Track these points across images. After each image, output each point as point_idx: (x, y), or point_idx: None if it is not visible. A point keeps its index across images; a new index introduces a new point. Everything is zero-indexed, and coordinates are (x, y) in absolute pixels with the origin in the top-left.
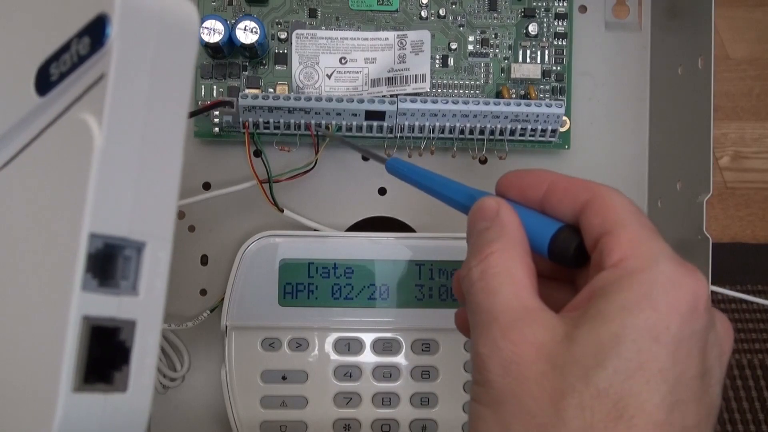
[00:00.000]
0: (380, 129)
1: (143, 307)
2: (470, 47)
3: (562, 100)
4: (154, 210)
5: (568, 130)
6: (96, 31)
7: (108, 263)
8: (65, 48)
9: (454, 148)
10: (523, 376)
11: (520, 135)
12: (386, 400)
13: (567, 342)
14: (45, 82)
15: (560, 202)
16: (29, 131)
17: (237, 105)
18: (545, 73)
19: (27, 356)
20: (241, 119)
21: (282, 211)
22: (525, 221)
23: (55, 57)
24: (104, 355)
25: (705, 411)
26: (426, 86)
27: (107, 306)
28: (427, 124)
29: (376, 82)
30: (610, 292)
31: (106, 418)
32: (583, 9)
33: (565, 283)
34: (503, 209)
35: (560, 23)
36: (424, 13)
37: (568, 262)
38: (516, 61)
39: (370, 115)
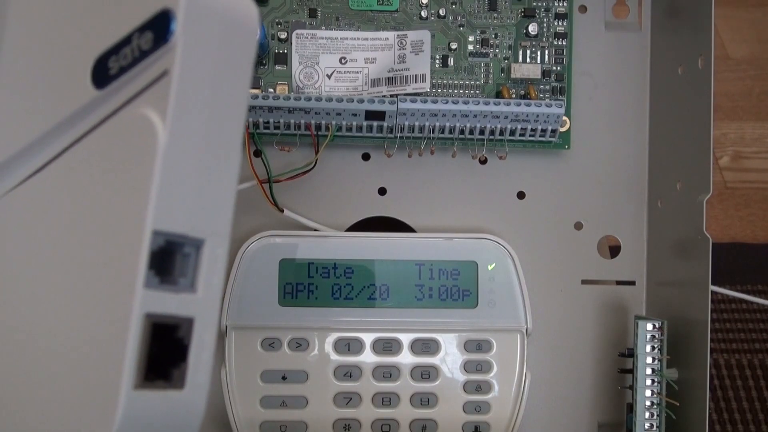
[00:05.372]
0: (380, 129)
1: (201, 305)
2: (470, 47)
3: (562, 100)
4: (213, 207)
5: (568, 130)
6: (160, 27)
7: (168, 260)
8: (125, 42)
9: (454, 148)
10: None
11: (520, 135)
12: (386, 400)
13: None
14: (103, 76)
15: None
16: (84, 124)
17: None
18: (545, 73)
19: (87, 353)
20: None
21: (282, 211)
22: None
23: (115, 50)
24: (163, 353)
25: None
26: (426, 86)
27: (168, 303)
28: (427, 124)
29: (376, 82)
30: None
31: (164, 415)
32: (583, 9)
33: None
34: None
35: (560, 23)
36: (424, 13)
37: None
38: (516, 61)
39: (370, 115)
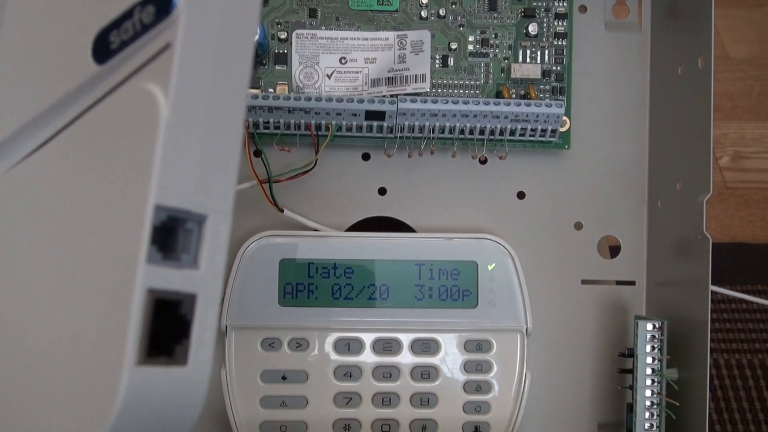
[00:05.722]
0: (380, 129)
1: (203, 281)
2: (470, 47)
3: (562, 100)
4: (215, 182)
5: (568, 130)
6: (161, 0)
7: (170, 236)
8: (127, 16)
9: (454, 148)
10: None
11: (520, 135)
12: (386, 400)
13: None
14: (104, 50)
15: None
16: (85, 99)
17: None
18: (545, 73)
19: (90, 330)
20: None
21: (282, 211)
22: None
23: (116, 25)
24: (166, 329)
25: None
26: (426, 86)
27: (170, 279)
28: (427, 124)
29: (376, 82)
30: None
31: (166, 392)
32: (583, 9)
33: None
34: None
35: (560, 23)
36: (424, 13)
37: None
38: (516, 61)
39: (370, 115)
